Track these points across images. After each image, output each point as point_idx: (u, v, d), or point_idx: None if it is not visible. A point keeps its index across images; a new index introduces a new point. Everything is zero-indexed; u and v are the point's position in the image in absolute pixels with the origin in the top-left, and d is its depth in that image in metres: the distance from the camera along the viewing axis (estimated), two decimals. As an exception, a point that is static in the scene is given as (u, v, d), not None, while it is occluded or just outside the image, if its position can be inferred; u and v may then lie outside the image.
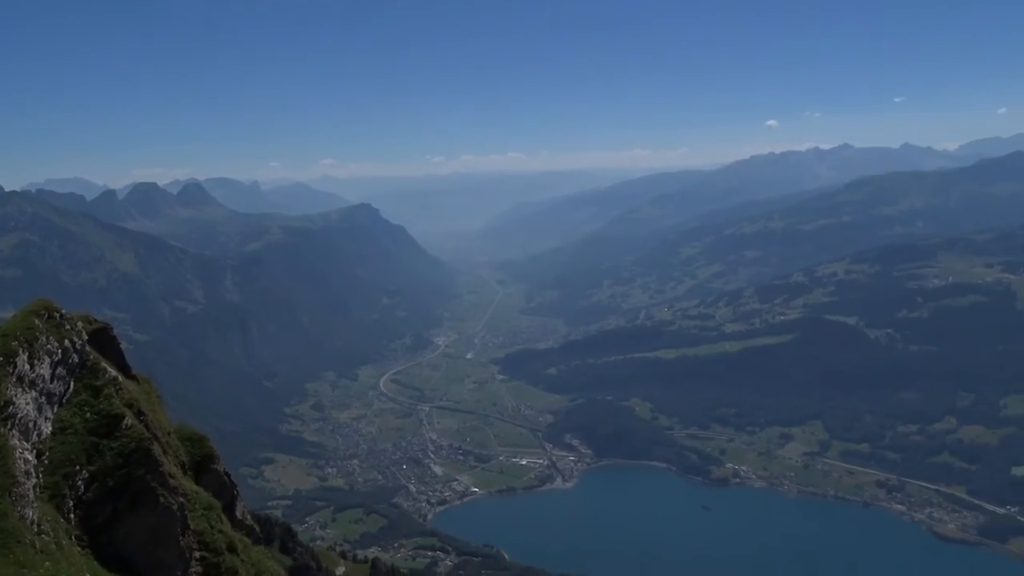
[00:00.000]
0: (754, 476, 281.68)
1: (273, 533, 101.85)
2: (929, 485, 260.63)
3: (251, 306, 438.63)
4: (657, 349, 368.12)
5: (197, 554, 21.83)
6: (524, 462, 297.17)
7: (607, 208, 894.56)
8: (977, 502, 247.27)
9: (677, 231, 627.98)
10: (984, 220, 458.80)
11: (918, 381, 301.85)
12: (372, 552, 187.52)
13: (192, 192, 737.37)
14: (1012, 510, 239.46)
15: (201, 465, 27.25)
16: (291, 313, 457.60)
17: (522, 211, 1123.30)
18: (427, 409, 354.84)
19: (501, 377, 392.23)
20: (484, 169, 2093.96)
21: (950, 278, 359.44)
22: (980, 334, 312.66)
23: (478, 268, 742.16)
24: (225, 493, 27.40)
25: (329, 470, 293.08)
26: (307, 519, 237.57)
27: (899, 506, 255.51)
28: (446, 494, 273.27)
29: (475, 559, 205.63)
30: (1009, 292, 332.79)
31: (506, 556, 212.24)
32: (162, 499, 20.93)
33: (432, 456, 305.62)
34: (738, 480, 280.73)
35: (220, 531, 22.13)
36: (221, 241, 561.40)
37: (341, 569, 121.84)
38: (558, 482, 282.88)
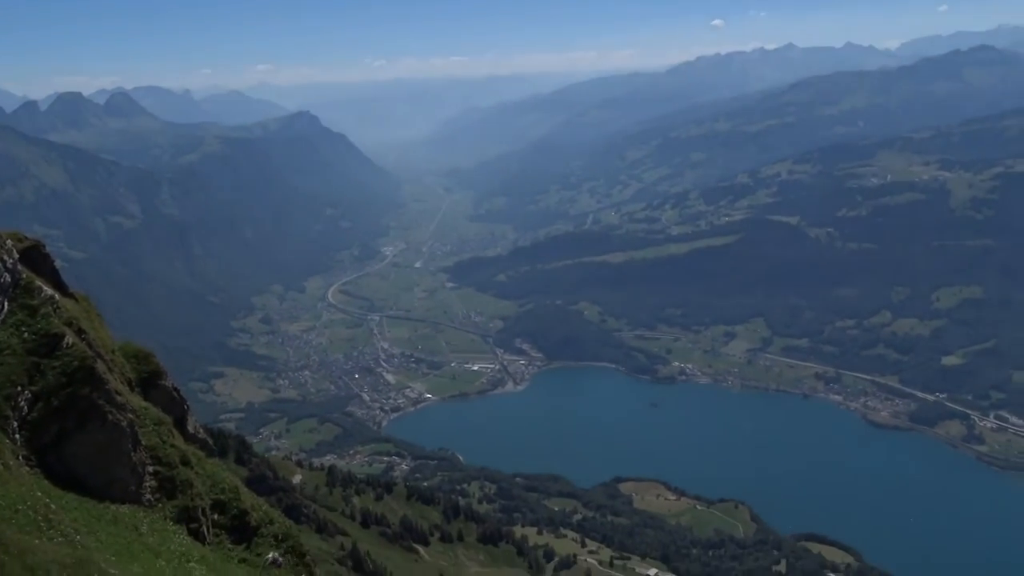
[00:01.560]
0: (699, 373, 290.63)
1: (227, 445, 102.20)
2: (864, 376, 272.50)
3: (190, 220, 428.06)
4: (605, 253, 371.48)
5: (150, 468, 21.43)
6: (476, 367, 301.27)
7: (554, 112, 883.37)
8: (909, 390, 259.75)
9: (623, 135, 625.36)
10: (922, 119, 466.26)
11: (856, 277, 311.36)
12: (328, 460, 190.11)
13: (120, 102, 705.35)
14: (941, 397, 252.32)
15: (148, 382, 26.53)
16: (233, 226, 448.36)
17: (468, 117, 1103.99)
18: (377, 319, 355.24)
19: (451, 285, 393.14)
20: (427, 74, 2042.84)
21: (888, 176, 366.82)
22: (915, 231, 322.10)
23: (424, 176, 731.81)
24: (175, 408, 26.85)
25: (281, 382, 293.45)
26: (261, 431, 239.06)
27: (836, 396, 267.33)
28: (399, 401, 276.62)
29: (431, 462, 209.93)
30: (944, 189, 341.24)
31: (461, 459, 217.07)
32: (110, 416, 20.33)
33: (384, 365, 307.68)
34: (684, 377, 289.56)
35: (172, 445, 21.70)
36: (155, 153, 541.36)
37: (298, 477, 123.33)
38: (509, 386, 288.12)
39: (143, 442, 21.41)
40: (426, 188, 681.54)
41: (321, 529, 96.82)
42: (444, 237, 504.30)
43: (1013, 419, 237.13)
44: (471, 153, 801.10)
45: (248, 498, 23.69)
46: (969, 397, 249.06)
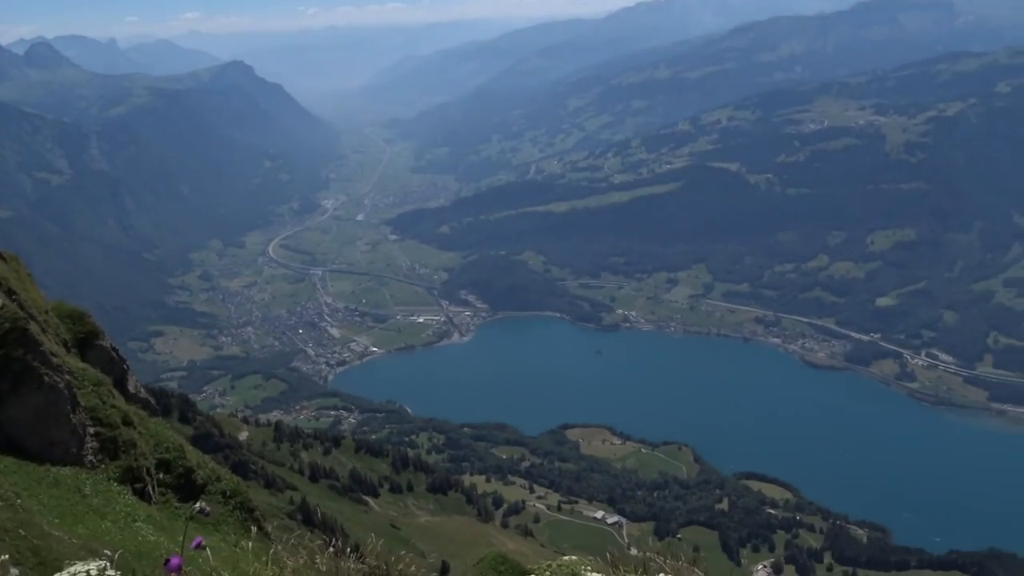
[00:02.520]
0: (643, 320, 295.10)
1: (170, 404, 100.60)
2: (802, 319, 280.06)
3: (122, 175, 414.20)
4: (548, 203, 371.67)
5: (91, 430, 20.89)
6: (421, 320, 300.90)
7: (495, 60, 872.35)
8: (845, 331, 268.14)
9: (565, 83, 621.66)
10: (858, 63, 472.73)
11: (794, 222, 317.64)
12: (274, 416, 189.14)
13: (41, 52, 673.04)
14: (875, 337, 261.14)
15: (85, 342, 25.75)
16: (167, 180, 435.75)
17: (407, 65, 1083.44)
18: (320, 273, 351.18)
19: (394, 237, 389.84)
20: (364, 21, 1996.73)
21: (825, 122, 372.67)
22: (852, 175, 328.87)
23: (363, 127, 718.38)
24: (114, 368, 26.14)
25: (223, 339, 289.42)
26: (204, 388, 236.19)
27: (775, 339, 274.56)
28: (345, 355, 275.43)
29: (378, 415, 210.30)
30: (879, 134, 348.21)
31: (409, 411, 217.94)
32: (46, 378, 19.68)
33: (328, 319, 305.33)
34: (628, 324, 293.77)
35: (113, 406, 21.16)
36: (81, 106, 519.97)
37: (244, 434, 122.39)
38: (456, 337, 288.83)
39: (82, 403, 20.85)
40: (366, 139, 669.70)
41: (270, 484, 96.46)
42: (386, 189, 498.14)
43: (943, 357, 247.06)
44: (411, 103, 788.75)
45: (194, 456, 23.36)
46: (902, 336, 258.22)
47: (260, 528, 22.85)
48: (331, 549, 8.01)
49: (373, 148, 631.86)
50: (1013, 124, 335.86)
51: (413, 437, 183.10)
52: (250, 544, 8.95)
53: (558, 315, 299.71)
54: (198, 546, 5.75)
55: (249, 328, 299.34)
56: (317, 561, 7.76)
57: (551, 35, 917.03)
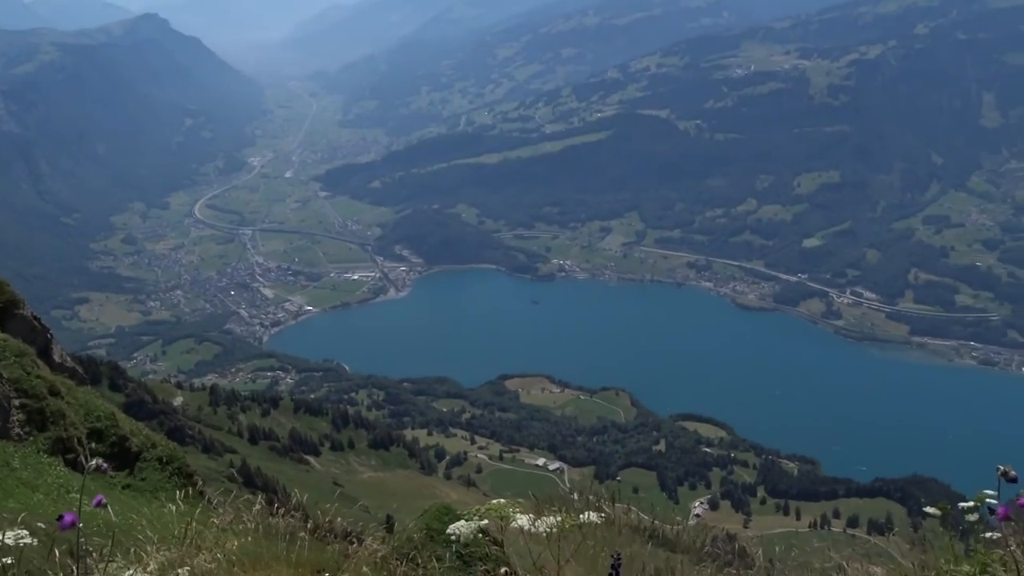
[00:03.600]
0: (578, 269, 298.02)
1: (99, 372, 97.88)
2: (732, 262, 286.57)
3: (33, 136, 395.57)
4: (480, 154, 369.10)
5: (16, 402, 20.24)
6: (356, 277, 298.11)
7: (420, 9, 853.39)
8: (773, 273, 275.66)
9: (493, 31, 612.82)
10: (782, 7, 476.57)
11: (723, 167, 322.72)
12: (209, 379, 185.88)
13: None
14: (803, 277, 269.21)
15: (4, 312, 24.80)
16: (83, 141, 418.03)
17: (330, 16, 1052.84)
18: (249, 233, 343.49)
19: (324, 194, 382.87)
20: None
21: (752, 67, 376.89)
22: (778, 119, 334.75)
23: (287, 81, 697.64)
24: (37, 338, 25.28)
25: (152, 303, 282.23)
26: (135, 355, 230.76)
27: (707, 283, 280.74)
28: (279, 315, 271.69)
29: (316, 374, 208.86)
30: (804, 78, 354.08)
31: (347, 368, 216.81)
32: (-36, 350, 18.95)
33: (260, 279, 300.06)
34: (563, 274, 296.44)
35: (38, 376, 20.51)
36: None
37: (179, 399, 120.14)
38: (392, 293, 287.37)
39: (5, 375, 20.18)
40: (290, 93, 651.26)
41: (208, 448, 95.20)
42: (314, 144, 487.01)
43: (867, 294, 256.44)
44: (336, 55, 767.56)
45: (127, 424, 22.86)
46: (828, 276, 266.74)
47: (200, 494, 22.60)
48: (257, 506, 7.93)
49: (298, 103, 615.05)
50: (931, 65, 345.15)
51: (352, 394, 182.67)
52: (176, 507, 8.79)
53: (494, 267, 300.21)
54: (99, 504, 5.81)
55: (178, 291, 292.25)
56: (245, 518, 7.68)
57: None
